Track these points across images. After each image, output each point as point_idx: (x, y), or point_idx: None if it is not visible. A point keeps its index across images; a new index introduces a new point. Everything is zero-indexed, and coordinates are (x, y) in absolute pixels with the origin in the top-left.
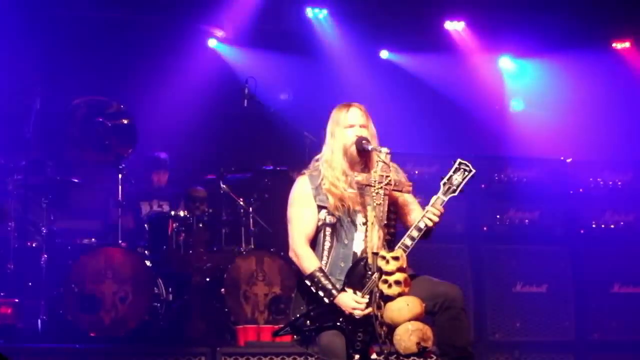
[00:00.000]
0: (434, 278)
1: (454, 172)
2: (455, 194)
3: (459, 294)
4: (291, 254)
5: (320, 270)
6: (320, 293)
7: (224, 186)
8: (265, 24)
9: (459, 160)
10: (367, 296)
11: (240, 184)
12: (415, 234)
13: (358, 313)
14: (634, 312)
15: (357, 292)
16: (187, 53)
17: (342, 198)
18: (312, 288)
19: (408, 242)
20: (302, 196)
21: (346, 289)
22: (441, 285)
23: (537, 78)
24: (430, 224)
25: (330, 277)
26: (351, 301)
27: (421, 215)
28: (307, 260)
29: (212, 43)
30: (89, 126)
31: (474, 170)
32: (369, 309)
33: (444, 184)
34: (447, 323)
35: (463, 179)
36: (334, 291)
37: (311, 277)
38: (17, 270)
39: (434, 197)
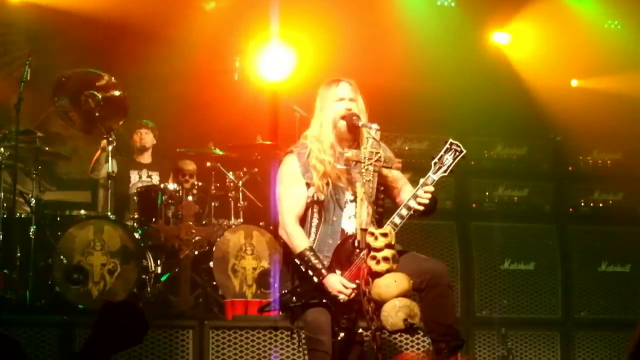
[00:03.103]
0: (420, 254)
1: (445, 152)
2: (446, 173)
3: (444, 270)
4: (281, 232)
5: (311, 249)
6: (310, 272)
7: (214, 160)
8: None
9: (450, 140)
10: (355, 281)
11: (229, 157)
12: (404, 212)
13: (342, 297)
14: (620, 290)
15: (345, 271)
16: (178, 24)
17: (327, 174)
18: (301, 267)
19: (397, 220)
20: (290, 174)
21: (335, 269)
22: (427, 261)
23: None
24: (420, 207)
25: (318, 254)
26: (339, 284)
27: (411, 194)
28: (298, 239)
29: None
30: (79, 98)
31: (464, 151)
32: (352, 296)
33: (435, 163)
34: (433, 300)
35: (454, 159)
36: (323, 271)
37: (301, 255)
38: (5, 241)
39: (425, 177)
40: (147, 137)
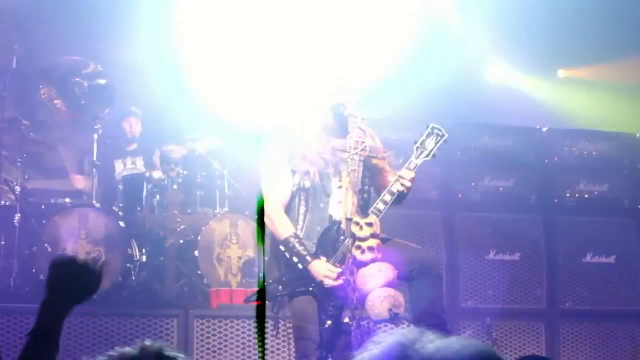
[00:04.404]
0: (412, 243)
1: (427, 136)
2: (428, 157)
3: (436, 260)
4: (265, 220)
5: (295, 235)
6: (295, 259)
7: (199, 148)
8: None
9: (431, 124)
10: (341, 267)
11: (214, 146)
12: (388, 197)
13: (328, 282)
14: (605, 281)
15: (330, 259)
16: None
17: (314, 162)
18: (286, 253)
19: (381, 206)
20: (276, 162)
21: (320, 256)
22: (419, 250)
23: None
24: (402, 188)
25: (306, 241)
26: (324, 269)
27: (394, 179)
28: (282, 226)
29: None
30: (65, 86)
31: (446, 135)
32: (339, 281)
33: (417, 147)
34: (423, 289)
35: (435, 143)
36: (308, 257)
37: (286, 242)
38: None
39: (407, 161)
40: (136, 126)
